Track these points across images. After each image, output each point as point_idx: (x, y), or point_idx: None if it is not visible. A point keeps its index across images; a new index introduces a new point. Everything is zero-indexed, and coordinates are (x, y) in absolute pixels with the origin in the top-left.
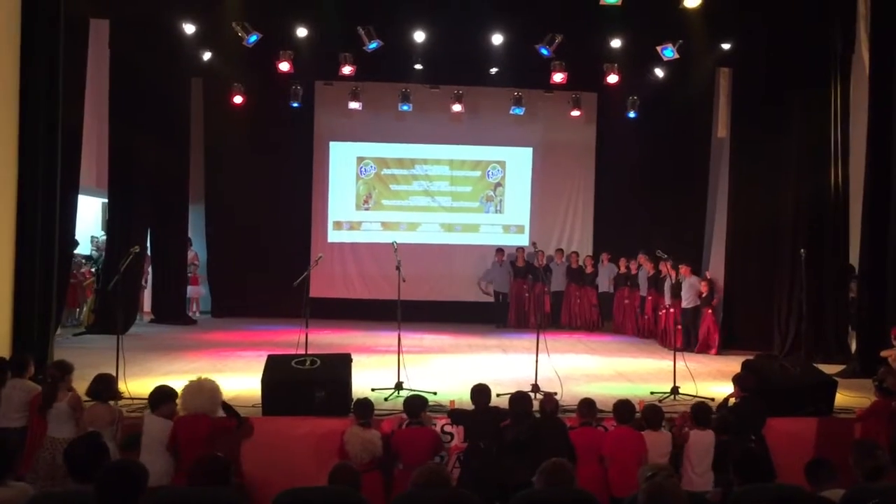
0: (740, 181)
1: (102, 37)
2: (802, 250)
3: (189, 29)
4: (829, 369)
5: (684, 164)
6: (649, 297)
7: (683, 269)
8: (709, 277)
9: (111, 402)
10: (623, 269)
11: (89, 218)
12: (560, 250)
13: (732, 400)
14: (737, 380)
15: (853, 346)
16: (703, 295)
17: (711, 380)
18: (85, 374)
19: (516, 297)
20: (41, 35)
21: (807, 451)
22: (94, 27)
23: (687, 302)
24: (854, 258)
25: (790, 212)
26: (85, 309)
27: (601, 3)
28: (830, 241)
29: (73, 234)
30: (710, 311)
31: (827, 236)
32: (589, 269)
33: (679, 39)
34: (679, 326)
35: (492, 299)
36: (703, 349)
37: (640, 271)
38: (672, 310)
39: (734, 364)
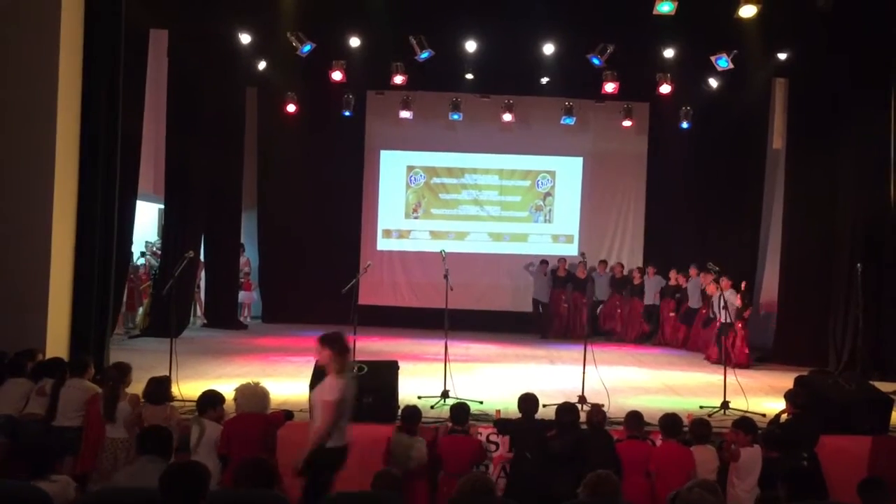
0: (796, 193)
1: (161, 47)
2: (859, 265)
3: (245, 39)
4: (886, 387)
5: (738, 176)
6: (702, 311)
7: (724, 283)
8: (726, 290)
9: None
10: (673, 282)
11: (146, 223)
12: (603, 261)
13: (784, 416)
14: (789, 396)
15: None
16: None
17: (763, 395)
18: (139, 377)
19: (554, 307)
20: (103, 45)
21: (860, 470)
22: (153, 37)
23: (724, 316)
24: None
25: (847, 225)
26: (140, 312)
27: (654, 12)
28: (889, 256)
29: (131, 239)
30: (740, 324)
31: (885, 251)
32: (637, 280)
33: (734, 49)
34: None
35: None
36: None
37: (690, 283)
38: (718, 323)
39: (787, 380)
